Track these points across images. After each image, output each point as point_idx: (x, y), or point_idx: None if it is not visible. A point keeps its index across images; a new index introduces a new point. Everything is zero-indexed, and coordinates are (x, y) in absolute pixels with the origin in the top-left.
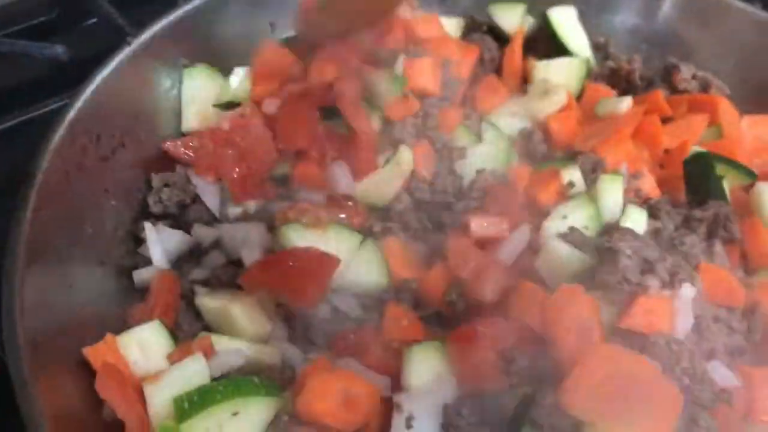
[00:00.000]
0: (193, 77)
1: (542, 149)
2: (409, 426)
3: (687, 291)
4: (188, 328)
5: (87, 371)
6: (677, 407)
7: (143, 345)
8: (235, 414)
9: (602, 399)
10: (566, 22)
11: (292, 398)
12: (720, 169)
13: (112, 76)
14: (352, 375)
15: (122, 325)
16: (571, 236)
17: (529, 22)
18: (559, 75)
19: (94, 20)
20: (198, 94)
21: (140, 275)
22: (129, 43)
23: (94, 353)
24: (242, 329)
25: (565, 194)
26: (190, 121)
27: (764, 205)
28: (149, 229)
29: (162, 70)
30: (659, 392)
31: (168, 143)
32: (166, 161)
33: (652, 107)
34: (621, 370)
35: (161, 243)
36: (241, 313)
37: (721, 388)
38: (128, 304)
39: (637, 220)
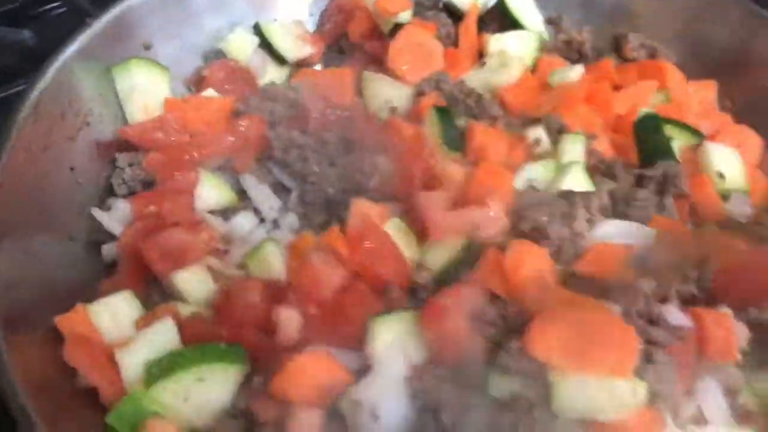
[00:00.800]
0: (129, 71)
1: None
2: (375, 417)
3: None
4: (158, 299)
5: (60, 341)
6: (635, 347)
7: (114, 313)
8: (200, 380)
9: (564, 342)
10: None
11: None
12: (669, 130)
13: (75, 57)
14: (329, 359)
15: (93, 298)
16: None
17: None
18: (514, 48)
19: (61, 6)
20: (137, 88)
21: (109, 249)
22: (89, 25)
23: (65, 322)
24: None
25: (530, 154)
26: (135, 115)
27: (711, 162)
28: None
29: (124, 51)
30: (618, 334)
31: (124, 129)
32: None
33: (603, 75)
34: (580, 314)
35: (125, 220)
36: (185, 280)
37: (675, 327)
38: (99, 277)
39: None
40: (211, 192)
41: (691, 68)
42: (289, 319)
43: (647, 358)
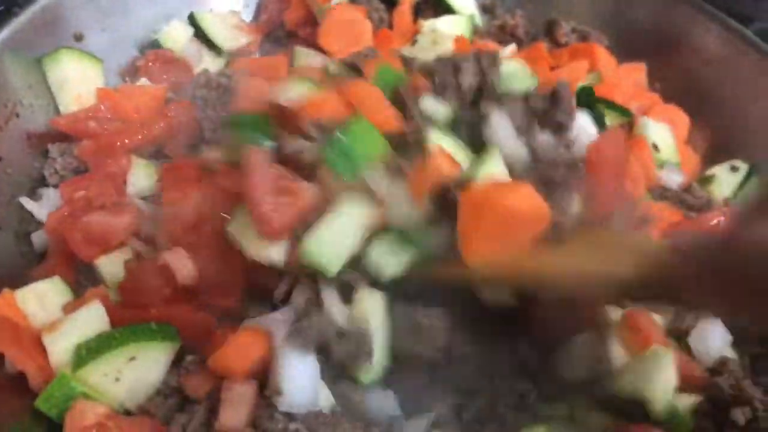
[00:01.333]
0: (60, 62)
1: None
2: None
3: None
4: (88, 285)
5: None
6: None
7: (41, 297)
8: (132, 359)
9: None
10: None
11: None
12: (600, 108)
13: (2, 47)
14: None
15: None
16: None
17: None
18: (446, 29)
19: None
20: (69, 79)
21: (39, 237)
22: (16, 15)
23: None
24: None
25: None
26: (68, 105)
27: (647, 135)
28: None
29: (54, 41)
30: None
31: (56, 119)
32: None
33: (535, 56)
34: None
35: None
36: (107, 263)
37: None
38: (30, 267)
39: None
40: (142, 178)
41: (622, 52)
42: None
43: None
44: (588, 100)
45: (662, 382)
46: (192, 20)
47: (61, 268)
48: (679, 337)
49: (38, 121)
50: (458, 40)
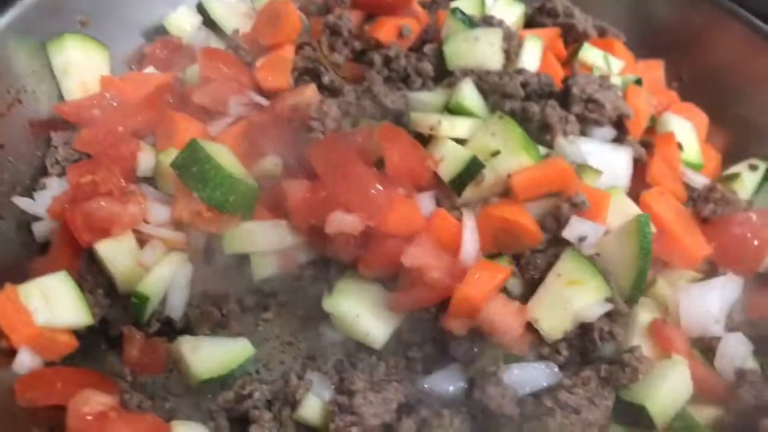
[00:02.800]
0: (65, 47)
1: None
2: None
3: None
4: (92, 279)
5: None
6: None
7: (47, 294)
8: None
9: None
10: None
11: None
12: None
13: (6, 32)
14: None
15: (24, 279)
16: None
17: None
18: None
19: None
20: (73, 64)
21: (39, 228)
22: None
23: None
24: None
25: None
26: (72, 92)
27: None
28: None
29: (59, 27)
30: None
31: (59, 105)
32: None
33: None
34: None
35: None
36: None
37: None
38: (31, 257)
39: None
40: (151, 159)
41: (638, 49)
42: None
43: None
44: None
45: (669, 391)
46: (200, 8)
47: (64, 259)
48: (704, 350)
49: (41, 108)
50: None
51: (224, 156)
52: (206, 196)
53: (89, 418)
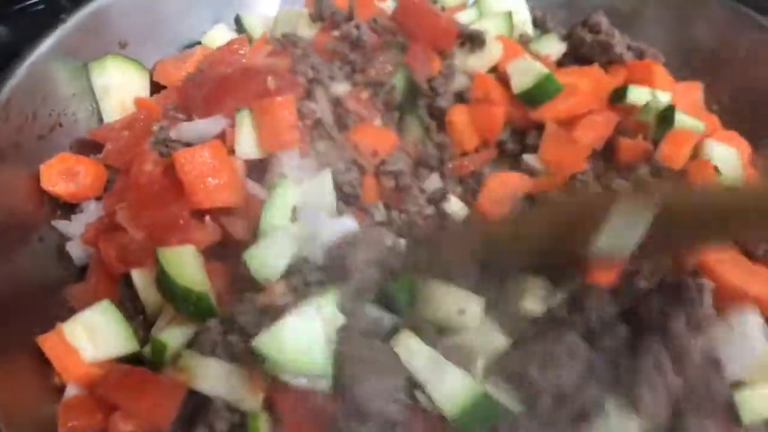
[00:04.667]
0: (105, 68)
1: None
2: None
3: None
4: (132, 306)
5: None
6: None
7: (91, 329)
8: None
9: None
10: None
11: None
12: None
13: (49, 54)
14: None
15: (64, 303)
16: None
17: None
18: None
19: (39, 4)
20: (113, 85)
21: (75, 251)
22: (64, 21)
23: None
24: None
25: None
26: (111, 113)
27: (710, 157)
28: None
29: (99, 49)
30: None
31: (93, 130)
32: None
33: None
34: None
35: None
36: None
37: None
38: (71, 280)
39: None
40: None
41: (677, 69)
42: None
43: None
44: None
45: None
46: (238, 23)
47: (103, 284)
48: None
49: (81, 130)
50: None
51: (186, 262)
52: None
53: None
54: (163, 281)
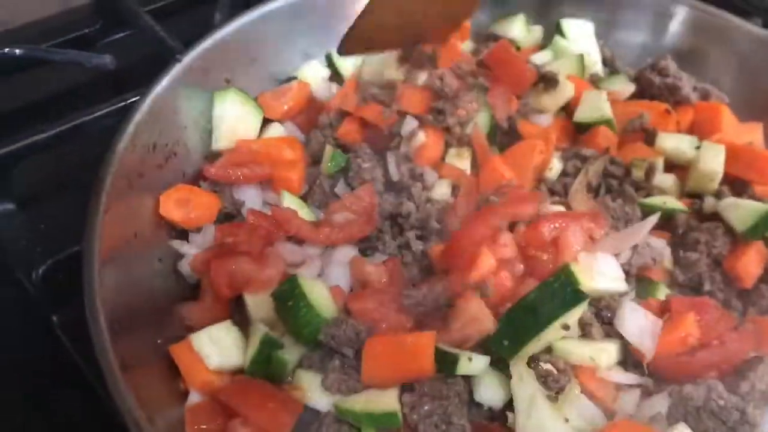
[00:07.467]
0: (225, 99)
1: None
2: None
3: None
4: (239, 318)
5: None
6: None
7: (217, 340)
8: None
9: None
10: (579, 33)
11: None
12: None
13: (166, 91)
14: None
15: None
16: None
17: (535, 33)
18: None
19: (135, 32)
20: (228, 116)
21: (184, 267)
22: (179, 60)
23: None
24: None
25: None
26: (221, 141)
27: None
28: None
29: (206, 85)
30: None
31: (207, 168)
32: None
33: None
34: None
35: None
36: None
37: None
38: (183, 296)
39: None
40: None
41: (739, 110)
42: None
43: None
44: None
45: None
46: (329, 60)
47: (216, 306)
48: None
49: (192, 160)
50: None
51: (318, 293)
52: (295, 332)
53: None
54: (294, 306)
